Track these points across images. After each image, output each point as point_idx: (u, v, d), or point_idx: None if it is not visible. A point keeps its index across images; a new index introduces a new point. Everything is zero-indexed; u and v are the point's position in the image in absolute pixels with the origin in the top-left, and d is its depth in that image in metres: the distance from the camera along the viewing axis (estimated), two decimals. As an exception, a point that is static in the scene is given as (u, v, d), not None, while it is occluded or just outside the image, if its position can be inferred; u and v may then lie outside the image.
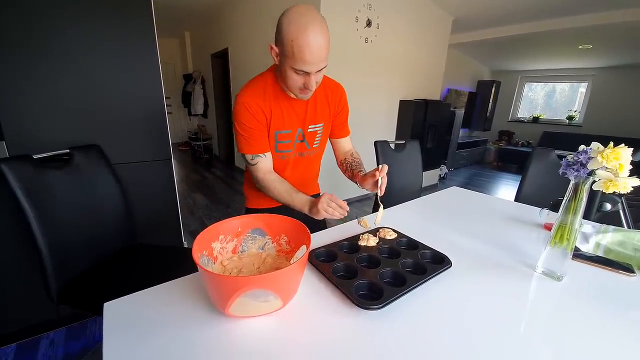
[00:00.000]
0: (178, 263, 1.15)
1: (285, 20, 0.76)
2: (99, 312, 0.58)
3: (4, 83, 1.17)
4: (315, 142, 1.07)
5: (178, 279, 0.67)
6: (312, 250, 0.77)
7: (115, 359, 0.46)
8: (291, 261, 0.67)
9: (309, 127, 1.02)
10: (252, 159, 0.96)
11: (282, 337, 0.52)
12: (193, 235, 2.54)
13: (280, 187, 0.96)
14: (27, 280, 1.31)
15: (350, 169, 1.06)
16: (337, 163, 1.16)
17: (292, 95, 0.93)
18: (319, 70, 0.83)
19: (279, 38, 0.78)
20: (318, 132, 1.05)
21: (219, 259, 0.67)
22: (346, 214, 0.85)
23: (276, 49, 0.82)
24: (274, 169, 1.04)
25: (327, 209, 0.83)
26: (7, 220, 1.24)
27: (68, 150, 1.12)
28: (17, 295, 1.33)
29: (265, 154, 0.97)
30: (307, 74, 0.81)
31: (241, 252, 0.72)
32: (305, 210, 0.90)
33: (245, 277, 0.53)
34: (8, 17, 1.13)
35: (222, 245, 0.68)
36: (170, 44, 6.45)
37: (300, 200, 0.92)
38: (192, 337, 0.51)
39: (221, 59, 4.91)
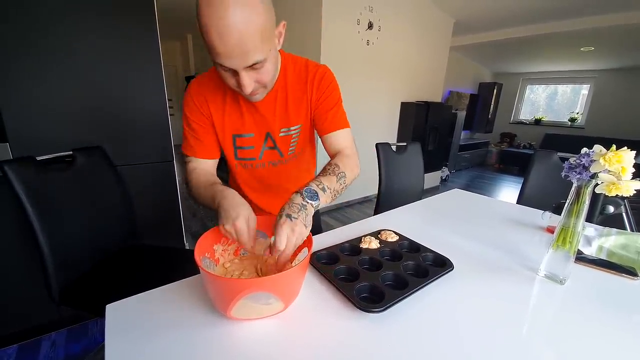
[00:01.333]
0: (180, 264, 1.16)
1: None
2: (101, 314, 0.58)
3: (7, 85, 1.18)
4: (290, 149, 0.88)
5: (180, 280, 0.67)
6: (314, 252, 0.77)
7: (117, 361, 0.46)
8: (293, 264, 0.67)
9: (281, 130, 0.83)
10: (186, 158, 0.81)
11: (283, 340, 0.52)
12: (194, 236, 2.54)
13: (202, 183, 0.75)
14: (28, 281, 1.32)
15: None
16: None
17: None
18: (253, 67, 0.60)
19: (196, 17, 0.56)
20: (293, 136, 0.85)
21: (220, 261, 0.67)
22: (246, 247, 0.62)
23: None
24: (238, 181, 0.92)
25: (231, 233, 0.59)
26: (10, 221, 1.24)
27: (71, 152, 1.12)
28: (19, 296, 1.33)
29: (201, 159, 0.81)
30: (236, 72, 0.61)
31: (243, 254, 0.72)
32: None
33: (247, 279, 0.53)
34: (12, 20, 1.14)
35: (224, 247, 0.68)
36: (173, 46, 6.48)
37: (213, 201, 0.67)
38: (193, 339, 0.51)
39: (223, 61, 4.92)
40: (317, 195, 0.64)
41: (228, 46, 0.55)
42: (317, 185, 0.65)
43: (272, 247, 0.57)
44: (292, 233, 0.56)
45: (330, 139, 0.83)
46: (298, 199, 0.61)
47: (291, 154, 0.89)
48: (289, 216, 0.57)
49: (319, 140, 0.89)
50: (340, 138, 0.84)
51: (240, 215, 0.59)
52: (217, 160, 0.86)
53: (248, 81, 0.63)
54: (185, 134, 0.81)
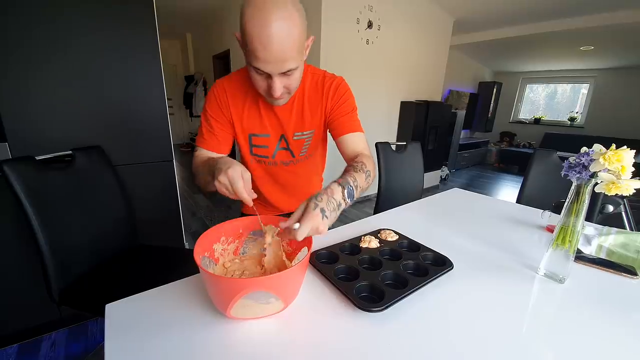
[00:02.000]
0: (179, 264, 1.16)
1: (245, 2, 0.62)
2: (100, 313, 0.58)
3: (7, 85, 1.17)
4: (302, 151, 0.93)
5: (179, 280, 0.67)
6: (314, 251, 0.77)
7: (116, 361, 0.46)
8: (292, 263, 0.67)
9: (295, 134, 0.89)
10: (196, 150, 0.86)
11: (283, 339, 0.52)
12: (194, 236, 2.54)
13: (202, 160, 0.80)
14: (28, 281, 1.32)
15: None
16: None
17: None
18: (286, 73, 0.68)
19: (240, 24, 0.64)
20: (306, 140, 0.91)
21: (220, 260, 0.67)
22: (247, 201, 0.61)
23: (239, 38, 0.67)
24: (252, 175, 0.91)
25: (226, 184, 0.59)
26: (10, 221, 1.24)
27: (70, 152, 1.12)
28: (19, 296, 1.33)
29: (208, 151, 0.85)
30: (269, 76, 0.68)
31: (242, 253, 0.72)
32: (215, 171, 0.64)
33: (246, 279, 0.53)
34: (11, 20, 1.14)
35: (223, 246, 0.68)
36: (172, 46, 6.48)
37: (212, 163, 0.69)
38: (193, 338, 0.51)
39: (223, 61, 4.92)
40: (354, 194, 0.64)
41: (268, 54, 0.62)
42: (353, 182, 0.65)
43: (286, 229, 0.56)
44: (316, 230, 0.55)
45: (347, 140, 0.86)
46: (338, 195, 0.60)
47: (302, 155, 0.94)
48: (322, 211, 0.55)
49: (329, 145, 0.92)
50: (358, 140, 0.87)
51: (232, 165, 0.59)
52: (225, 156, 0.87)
53: (279, 85, 0.69)
54: (201, 128, 0.85)
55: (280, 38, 0.61)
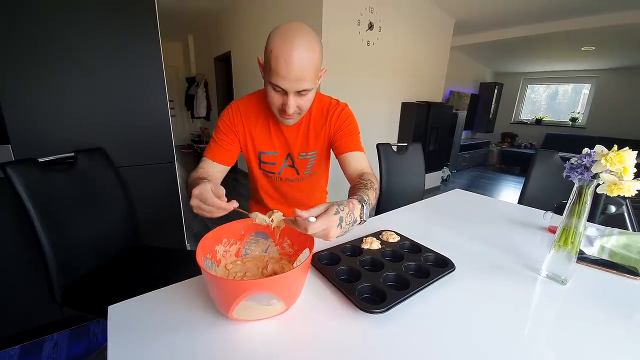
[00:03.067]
0: (181, 265, 1.16)
1: (274, 31, 0.72)
2: (103, 315, 0.58)
3: (9, 87, 1.18)
4: (306, 170, 1.01)
5: (181, 282, 0.67)
6: (315, 253, 0.77)
7: (119, 362, 0.46)
8: (294, 264, 0.67)
9: (300, 154, 0.97)
10: (201, 160, 0.90)
11: (285, 341, 0.52)
12: (196, 237, 2.54)
13: (193, 175, 0.81)
14: (31, 282, 1.32)
15: (352, 193, 0.77)
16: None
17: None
18: (300, 93, 0.76)
19: (265, 48, 0.74)
20: (310, 160, 0.99)
21: (222, 262, 0.67)
22: (228, 210, 0.62)
23: (261, 61, 0.79)
24: (259, 189, 1.04)
25: (200, 211, 0.61)
26: (12, 222, 1.25)
27: (73, 154, 1.13)
28: (21, 298, 1.34)
29: (214, 162, 0.89)
30: (285, 93, 0.75)
31: (244, 255, 0.72)
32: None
33: (248, 280, 0.53)
34: (14, 22, 1.15)
35: (225, 248, 0.68)
36: (174, 48, 6.50)
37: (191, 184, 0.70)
38: (195, 340, 0.51)
39: (224, 63, 4.94)
40: (368, 213, 0.68)
41: (289, 71, 0.70)
42: (368, 201, 0.69)
43: (299, 217, 0.56)
44: (326, 234, 0.55)
45: (350, 158, 0.91)
46: (357, 211, 0.62)
47: (306, 174, 1.02)
48: (341, 220, 0.57)
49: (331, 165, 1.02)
50: (361, 159, 0.92)
51: (200, 184, 0.61)
52: (227, 168, 0.93)
53: (293, 103, 0.77)
54: (210, 142, 0.92)
55: (301, 59, 0.70)
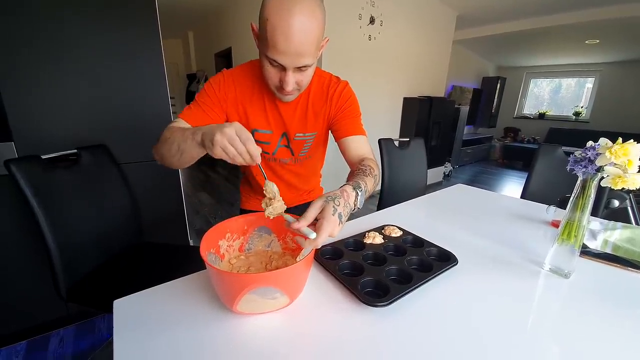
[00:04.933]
0: (184, 261, 1.17)
1: None
2: (108, 310, 0.58)
3: (12, 84, 1.18)
4: (302, 152, 0.93)
5: (185, 276, 0.67)
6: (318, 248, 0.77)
7: (126, 355, 0.47)
8: (298, 259, 0.67)
9: (296, 134, 0.89)
10: (174, 120, 0.77)
11: (288, 334, 0.52)
12: (198, 233, 2.56)
13: (175, 129, 0.70)
14: (36, 278, 1.34)
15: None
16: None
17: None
18: (300, 69, 0.68)
19: (259, 13, 0.63)
20: (307, 141, 0.91)
21: (226, 257, 0.68)
22: (253, 163, 0.55)
23: (255, 28, 0.67)
24: (253, 171, 0.96)
25: (227, 147, 0.52)
26: (17, 219, 1.26)
27: (76, 150, 1.13)
28: (27, 294, 1.35)
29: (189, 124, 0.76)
30: (284, 69, 0.67)
31: (247, 250, 0.73)
32: (198, 139, 0.57)
33: (252, 274, 0.53)
34: (16, 20, 1.15)
35: (228, 243, 0.68)
36: (174, 44, 6.48)
37: (193, 130, 0.60)
38: (200, 333, 0.51)
39: (225, 58, 4.92)
40: (363, 199, 0.65)
41: (288, 46, 0.62)
42: (364, 187, 0.66)
43: (298, 233, 0.55)
44: (330, 235, 0.54)
45: (351, 142, 0.86)
46: (352, 199, 0.61)
47: (302, 155, 0.95)
48: (340, 216, 0.55)
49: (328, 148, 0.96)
50: (362, 143, 0.87)
51: (235, 122, 0.54)
52: None
53: (292, 79, 0.69)
54: (190, 104, 0.79)
55: (301, 31, 0.61)
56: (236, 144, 0.52)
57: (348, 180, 0.71)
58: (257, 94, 0.83)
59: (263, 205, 0.61)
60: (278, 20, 0.59)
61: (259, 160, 0.55)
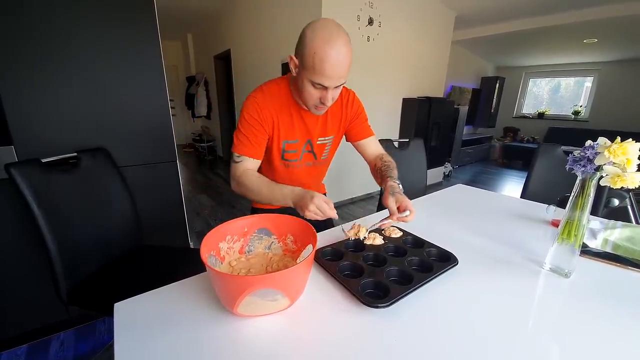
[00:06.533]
0: (185, 263, 1.17)
1: (310, 31, 0.75)
2: (108, 313, 0.58)
3: (11, 88, 1.18)
4: (323, 154, 1.07)
5: (186, 279, 0.67)
6: (318, 249, 0.77)
7: (127, 358, 0.47)
8: (298, 260, 0.67)
9: (318, 139, 1.01)
10: (237, 157, 0.91)
11: (289, 336, 0.52)
12: (199, 236, 2.56)
13: (258, 181, 0.88)
14: (37, 282, 1.33)
15: (381, 175, 0.97)
16: (370, 170, 1.07)
17: (305, 108, 0.92)
18: (337, 86, 0.82)
19: (301, 49, 0.77)
20: (327, 144, 1.05)
21: (226, 259, 0.68)
22: (334, 217, 0.75)
23: (296, 60, 0.80)
24: (277, 178, 1.03)
25: (316, 211, 0.73)
26: (18, 223, 1.26)
27: (75, 154, 1.13)
28: (28, 297, 1.35)
29: (252, 159, 0.92)
30: (325, 88, 0.80)
31: (248, 252, 0.73)
32: (289, 202, 0.80)
33: (253, 276, 0.53)
34: (15, 22, 1.15)
35: (229, 245, 0.68)
36: (173, 47, 6.50)
37: (281, 192, 0.82)
38: (201, 335, 0.51)
39: (224, 61, 4.93)
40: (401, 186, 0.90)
41: (334, 72, 0.76)
42: (397, 176, 0.94)
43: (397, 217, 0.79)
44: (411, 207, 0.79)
45: (369, 143, 1.08)
46: (398, 188, 0.88)
47: (323, 158, 1.08)
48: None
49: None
50: (376, 142, 1.10)
51: (315, 195, 0.74)
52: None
53: (332, 96, 0.83)
54: (238, 135, 0.91)
55: (344, 59, 0.76)
56: (323, 209, 0.73)
57: (380, 175, 0.97)
58: (285, 110, 0.94)
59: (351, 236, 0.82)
60: (325, 53, 0.73)
61: (335, 217, 0.76)
